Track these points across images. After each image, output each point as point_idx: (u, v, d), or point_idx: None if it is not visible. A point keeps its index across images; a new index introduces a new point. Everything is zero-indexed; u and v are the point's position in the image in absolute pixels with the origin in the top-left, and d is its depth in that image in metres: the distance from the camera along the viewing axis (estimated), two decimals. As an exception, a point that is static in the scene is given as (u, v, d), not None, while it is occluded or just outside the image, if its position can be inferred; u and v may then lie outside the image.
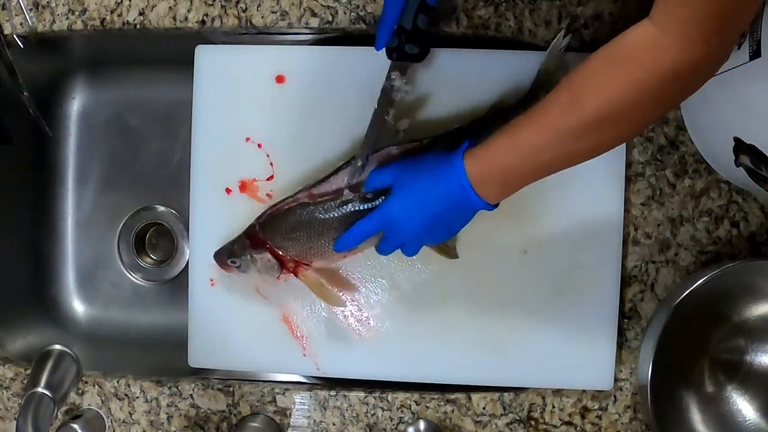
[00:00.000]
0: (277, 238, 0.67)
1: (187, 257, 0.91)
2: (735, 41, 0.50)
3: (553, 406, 0.71)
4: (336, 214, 0.65)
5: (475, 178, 0.57)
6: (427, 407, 0.72)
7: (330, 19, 0.71)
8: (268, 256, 0.67)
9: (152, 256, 0.93)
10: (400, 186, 0.62)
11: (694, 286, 0.62)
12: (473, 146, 0.59)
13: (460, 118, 0.70)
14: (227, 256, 0.68)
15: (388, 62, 0.67)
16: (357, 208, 0.65)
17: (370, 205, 0.64)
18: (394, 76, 0.65)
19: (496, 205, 0.60)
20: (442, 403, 0.72)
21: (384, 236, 0.64)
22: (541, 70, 0.68)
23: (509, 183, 0.58)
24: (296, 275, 0.68)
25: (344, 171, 0.67)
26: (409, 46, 0.63)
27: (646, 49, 0.48)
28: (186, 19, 0.73)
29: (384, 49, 0.65)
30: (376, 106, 0.67)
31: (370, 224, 0.63)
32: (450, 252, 0.69)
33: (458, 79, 0.70)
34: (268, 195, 0.71)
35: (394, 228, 0.62)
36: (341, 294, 0.70)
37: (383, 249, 0.65)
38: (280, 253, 0.67)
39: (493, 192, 0.58)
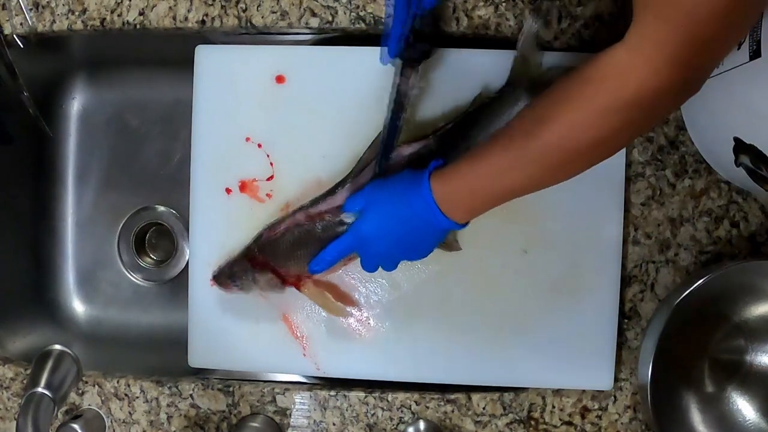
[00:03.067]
0: (277, 258, 0.67)
1: (187, 257, 0.91)
2: (707, 73, 0.48)
3: (553, 406, 0.71)
4: (334, 232, 0.65)
5: (441, 198, 0.57)
6: (427, 407, 0.72)
7: (330, 19, 0.71)
8: (270, 275, 0.68)
9: (152, 256, 0.93)
10: (370, 207, 0.62)
11: (694, 286, 0.62)
12: (440, 167, 0.59)
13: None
14: (228, 278, 0.68)
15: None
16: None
17: None
18: (407, 75, 0.65)
19: (466, 224, 0.59)
20: (442, 403, 0.72)
21: (360, 255, 0.64)
22: (517, 57, 0.67)
23: (475, 204, 0.57)
24: (298, 289, 0.68)
25: (341, 190, 0.67)
26: (420, 45, 0.63)
27: (612, 72, 0.47)
28: (186, 19, 0.73)
29: (405, 54, 0.64)
30: (390, 106, 0.66)
31: (342, 245, 0.64)
32: (451, 245, 0.69)
33: (458, 79, 0.69)
34: (267, 195, 0.71)
35: (366, 248, 0.63)
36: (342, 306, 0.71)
37: (364, 266, 0.65)
38: (282, 271, 0.68)
39: (459, 212, 0.58)
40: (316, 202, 0.68)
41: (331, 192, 0.68)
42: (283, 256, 0.67)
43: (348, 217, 0.64)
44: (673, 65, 0.45)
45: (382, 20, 0.71)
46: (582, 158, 0.52)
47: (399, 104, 0.65)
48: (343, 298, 0.71)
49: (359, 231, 0.62)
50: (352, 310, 0.71)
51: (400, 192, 0.60)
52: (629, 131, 0.51)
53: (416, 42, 0.62)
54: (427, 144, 0.67)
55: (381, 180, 0.65)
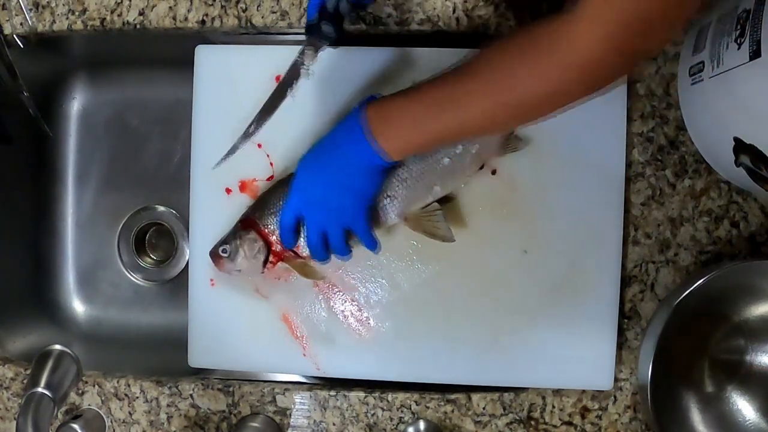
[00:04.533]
0: (264, 215, 0.67)
1: (187, 257, 0.91)
2: (643, 55, 0.52)
3: (553, 406, 0.71)
4: None
5: (374, 124, 0.58)
6: (427, 407, 0.72)
7: (330, 19, 0.71)
8: (254, 235, 0.67)
9: (152, 256, 0.93)
10: (311, 149, 0.64)
11: (694, 286, 0.62)
12: (380, 97, 0.60)
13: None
14: (219, 246, 0.68)
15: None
16: None
17: None
18: (307, 51, 0.66)
19: (396, 162, 0.59)
20: (442, 403, 0.72)
21: (303, 216, 0.64)
22: None
23: (407, 136, 0.57)
24: (282, 259, 0.68)
25: None
26: (325, 25, 0.63)
27: (553, 38, 0.50)
28: (186, 19, 0.73)
29: (311, 28, 0.65)
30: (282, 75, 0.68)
31: (288, 199, 0.64)
32: (444, 236, 0.67)
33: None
34: (268, 195, 0.71)
35: (303, 195, 0.63)
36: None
37: (308, 236, 0.64)
38: (266, 231, 0.67)
39: (392, 142, 0.58)
40: None
41: None
42: (268, 210, 0.67)
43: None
44: (607, 43, 0.48)
45: (382, 20, 0.71)
46: (510, 112, 0.54)
47: (288, 77, 0.68)
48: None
49: (297, 175, 0.63)
50: (352, 311, 0.71)
51: (338, 127, 0.62)
52: (561, 96, 0.53)
53: (324, 21, 0.63)
54: None
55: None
